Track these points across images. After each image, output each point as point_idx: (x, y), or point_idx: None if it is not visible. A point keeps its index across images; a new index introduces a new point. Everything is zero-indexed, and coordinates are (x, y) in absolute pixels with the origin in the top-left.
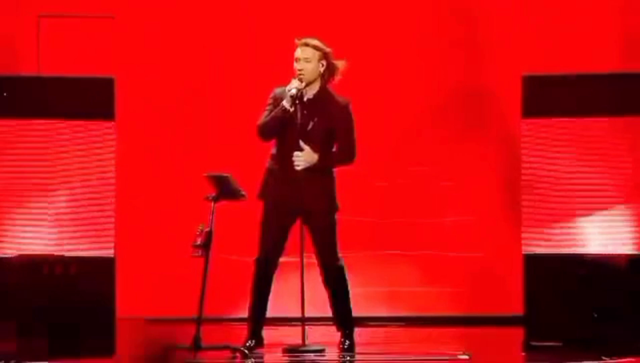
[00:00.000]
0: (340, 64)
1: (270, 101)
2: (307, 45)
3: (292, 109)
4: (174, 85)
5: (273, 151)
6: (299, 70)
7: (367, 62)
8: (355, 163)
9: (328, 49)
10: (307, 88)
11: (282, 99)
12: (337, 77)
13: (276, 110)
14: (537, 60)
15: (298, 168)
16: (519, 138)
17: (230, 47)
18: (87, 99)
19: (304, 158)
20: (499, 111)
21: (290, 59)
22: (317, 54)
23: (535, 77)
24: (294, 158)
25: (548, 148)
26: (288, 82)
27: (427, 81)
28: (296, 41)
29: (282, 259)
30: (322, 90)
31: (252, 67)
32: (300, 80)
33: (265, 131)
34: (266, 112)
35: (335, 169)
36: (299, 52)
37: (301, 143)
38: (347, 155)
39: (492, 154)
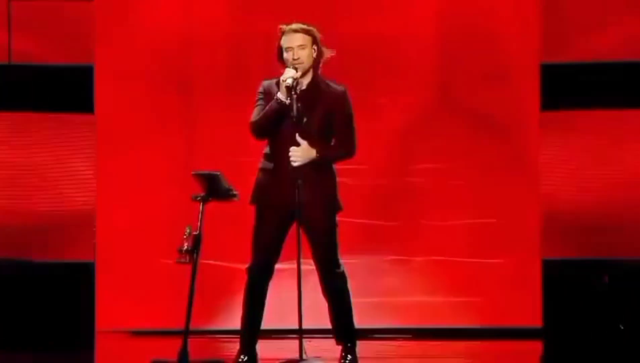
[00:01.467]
0: (327, 51)
1: (259, 95)
2: (298, 31)
3: (288, 102)
4: (159, 74)
5: (266, 149)
6: (295, 59)
7: (370, 48)
8: (355, 158)
9: (318, 34)
10: (301, 78)
11: (272, 93)
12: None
13: (270, 104)
14: (557, 46)
15: (295, 164)
16: (537, 132)
17: (220, 31)
18: (63, 90)
19: (301, 153)
20: (516, 103)
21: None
22: (309, 39)
23: (555, 65)
24: (290, 154)
25: (570, 143)
26: (276, 74)
27: (436, 68)
28: (283, 28)
29: (277, 265)
30: (316, 78)
31: (245, 55)
32: (296, 69)
33: (260, 128)
34: (258, 108)
35: (335, 166)
36: (291, 40)
37: (298, 138)
38: (347, 148)
39: (508, 150)
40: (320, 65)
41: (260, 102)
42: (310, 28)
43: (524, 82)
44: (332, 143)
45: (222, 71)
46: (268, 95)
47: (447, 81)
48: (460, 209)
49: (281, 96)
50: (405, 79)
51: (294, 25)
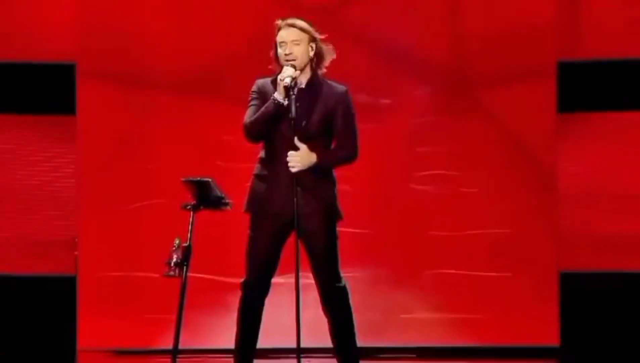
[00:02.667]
0: (328, 51)
1: (253, 95)
2: (293, 26)
3: (286, 102)
4: (146, 73)
5: (261, 153)
6: (287, 54)
7: (379, 47)
8: (357, 163)
9: (317, 34)
10: (299, 76)
11: (267, 92)
12: (324, 67)
13: (267, 104)
14: (576, 42)
15: (294, 170)
16: (554, 135)
17: (214, 24)
18: (43, 90)
19: (300, 158)
20: (531, 104)
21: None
22: (305, 36)
23: (574, 63)
24: (288, 159)
25: (589, 147)
26: (269, 73)
27: (446, 69)
28: (279, 23)
29: (274, 280)
30: (314, 77)
31: (239, 54)
32: (294, 67)
33: (255, 131)
34: (252, 108)
35: (335, 172)
36: (284, 35)
37: (296, 141)
38: (348, 152)
39: (523, 156)
40: (322, 66)
41: (254, 102)
42: (308, 26)
43: (540, 81)
44: (333, 147)
45: (214, 70)
46: (263, 94)
47: (458, 82)
48: (471, 219)
49: (278, 96)
50: (412, 79)
51: (290, 20)
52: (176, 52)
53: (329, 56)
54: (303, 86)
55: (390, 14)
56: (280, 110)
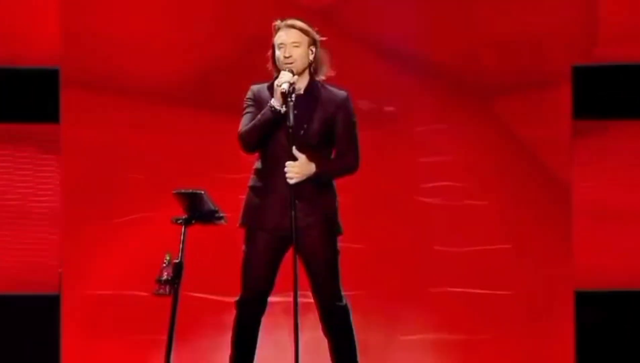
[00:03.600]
0: (325, 59)
1: (248, 102)
2: (293, 27)
3: (283, 110)
4: (134, 80)
5: (257, 164)
6: (286, 57)
7: (380, 50)
8: (358, 174)
9: (317, 36)
10: (297, 81)
11: (263, 99)
12: (323, 74)
13: (263, 112)
14: (592, 46)
15: (292, 182)
16: (569, 144)
17: (204, 28)
18: (25, 97)
19: (298, 168)
20: (545, 111)
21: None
22: (306, 39)
23: (590, 68)
24: (285, 170)
25: (607, 157)
26: (264, 79)
27: (453, 71)
28: (277, 24)
29: (271, 298)
30: (312, 82)
31: (230, 60)
32: (292, 71)
33: (251, 140)
34: (247, 116)
35: (335, 183)
36: (283, 37)
37: (295, 151)
38: (349, 162)
39: (535, 166)
40: (320, 73)
41: (249, 109)
42: (309, 28)
43: (553, 87)
44: (333, 156)
45: (205, 76)
46: (258, 101)
47: (465, 87)
48: (480, 234)
49: (275, 103)
50: (417, 84)
51: (290, 21)
52: (165, 57)
53: (326, 65)
54: (302, 92)
55: (393, 15)
56: (277, 118)
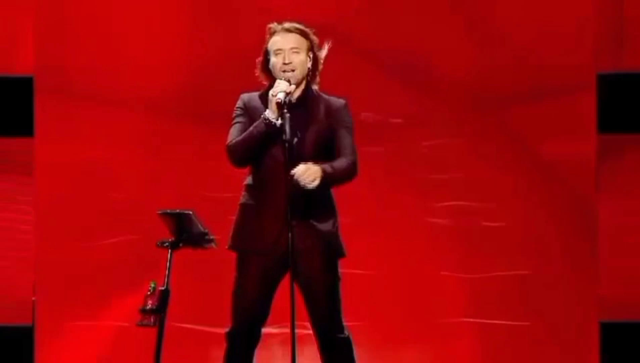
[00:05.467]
0: (322, 54)
1: (238, 111)
2: (293, 31)
3: (279, 122)
4: (114, 90)
5: (248, 180)
6: (286, 64)
7: (386, 59)
8: (360, 191)
9: (316, 39)
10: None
11: (255, 108)
12: (317, 80)
13: (256, 124)
14: (619, 53)
15: (313, 185)
16: (594, 160)
17: (189, 35)
18: None
19: (308, 171)
20: (568, 124)
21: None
22: (306, 43)
23: (616, 76)
24: (296, 177)
25: (635, 174)
26: (257, 88)
27: (466, 81)
28: (273, 27)
29: (264, 329)
30: (308, 90)
31: (218, 74)
32: (289, 80)
33: (241, 153)
34: (236, 127)
35: (335, 202)
36: (280, 41)
37: (295, 170)
38: (347, 167)
39: (557, 183)
40: (316, 80)
41: (239, 119)
42: (308, 30)
43: (577, 97)
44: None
45: (190, 87)
46: (249, 111)
47: (479, 98)
48: (496, 258)
49: (270, 114)
50: (426, 95)
51: (288, 24)
52: (147, 66)
53: (321, 65)
54: (295, 101)
55: (401, 22)
56: (271, 131)
